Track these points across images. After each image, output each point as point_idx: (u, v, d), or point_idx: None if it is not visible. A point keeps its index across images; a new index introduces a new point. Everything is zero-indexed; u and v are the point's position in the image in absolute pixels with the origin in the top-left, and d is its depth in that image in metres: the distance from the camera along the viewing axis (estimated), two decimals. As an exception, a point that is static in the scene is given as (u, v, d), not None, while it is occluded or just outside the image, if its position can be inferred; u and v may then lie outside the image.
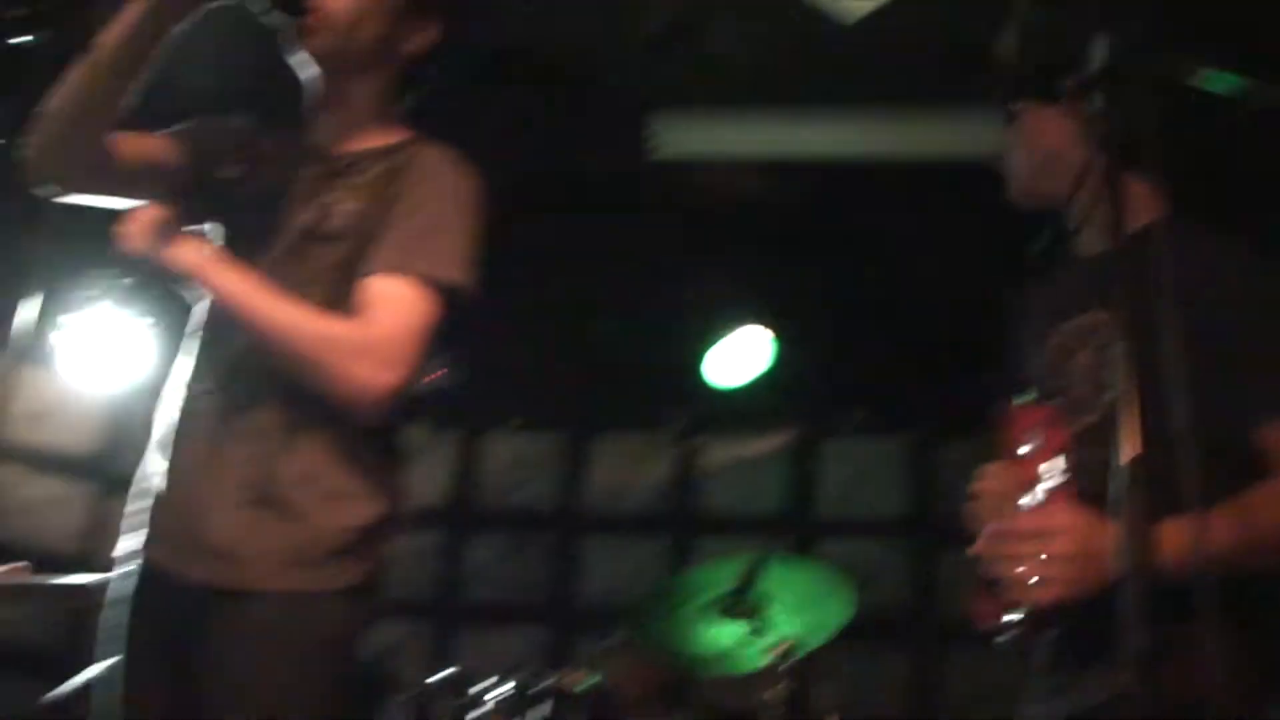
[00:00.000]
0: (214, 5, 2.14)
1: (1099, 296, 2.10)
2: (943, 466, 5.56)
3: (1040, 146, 2.22)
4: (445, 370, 5.58)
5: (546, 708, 3.21)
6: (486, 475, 6.16)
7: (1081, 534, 1.84)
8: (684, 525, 5.92)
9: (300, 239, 2.22)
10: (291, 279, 2.16)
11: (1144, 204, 1.94)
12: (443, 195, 2.24)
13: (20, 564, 3.09)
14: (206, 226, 2.30)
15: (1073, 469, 1.95)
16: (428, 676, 3.43)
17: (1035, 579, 1.87)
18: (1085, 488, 1.93)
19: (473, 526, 6.10)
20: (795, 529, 5.71)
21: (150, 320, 5.36)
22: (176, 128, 2.36)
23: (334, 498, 2.12)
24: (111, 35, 2.11)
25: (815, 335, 5.35)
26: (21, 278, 3.32)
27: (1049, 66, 2.09)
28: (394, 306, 2.13)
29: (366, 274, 2.15)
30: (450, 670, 3.42)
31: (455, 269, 2.19)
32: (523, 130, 4.89)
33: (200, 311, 2.30)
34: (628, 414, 6.08)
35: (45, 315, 5.16)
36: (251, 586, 2.06)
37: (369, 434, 2.17)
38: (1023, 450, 2.05)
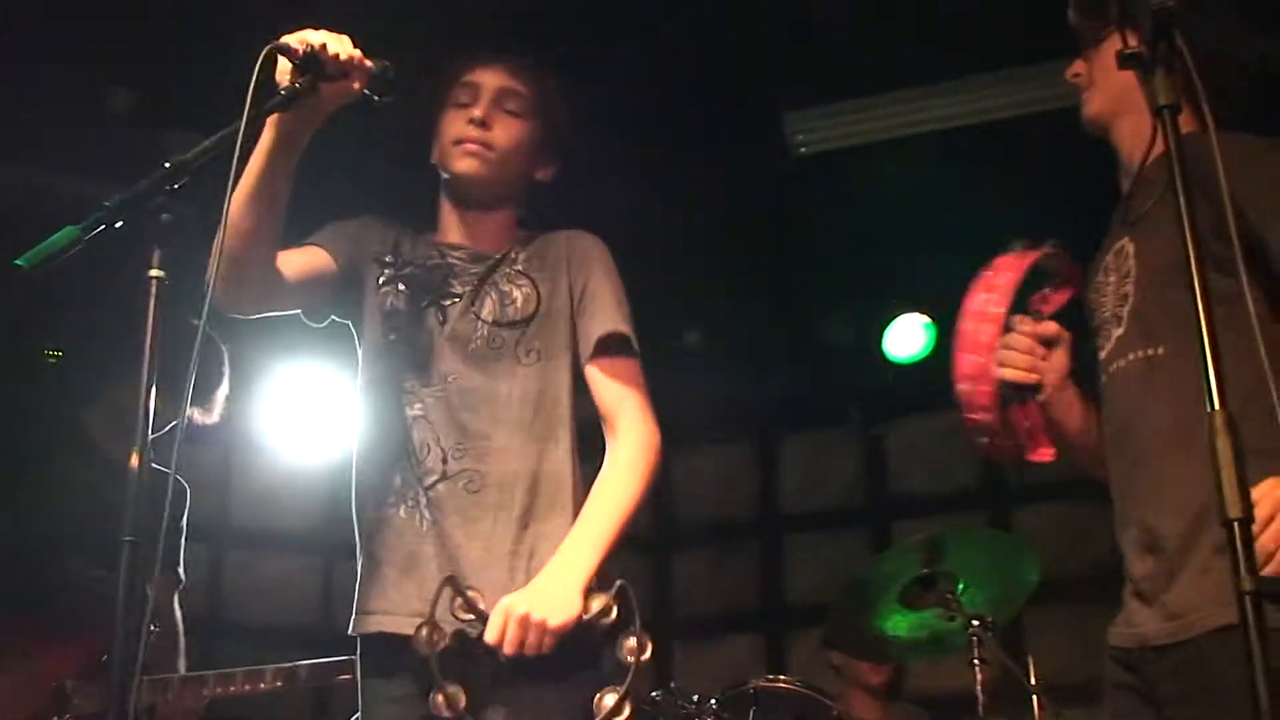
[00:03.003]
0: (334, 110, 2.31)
1: (1123, 223, 2.27)
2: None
3: (1110, 81, 2.30)
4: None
5: (755, 713, 3.36)
6: (683, 493, 6.34)
7: None
8: (880, 513, 6.02)
9: (490, 327, 2.54)
10: (499, 364, 2.52)
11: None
12: (610, 273, 2.63)
13: None
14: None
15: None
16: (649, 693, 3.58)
17: None
18: (1117, 392, 2.21)
19: (676, 544, 6.30)
20: (989, 502, 5.76)
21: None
22: (325, 233, 2.62)
23: None
24: (250, 168, 2.30)
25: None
26: (214, 365, 3.64)
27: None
28: (623, 388, 2.53)
29: (592, 356, 2.54)
30: (669, 685, 3.56)
31: (632, 328, 2.58)
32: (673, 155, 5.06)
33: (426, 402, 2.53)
34: (810, 412, 6.21)
35: (245, 397, 5.45)
36: None
37: None
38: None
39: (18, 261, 1.97)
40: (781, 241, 5.45)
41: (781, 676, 3.60)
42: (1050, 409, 2.35)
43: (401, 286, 2.60)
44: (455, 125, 2.61)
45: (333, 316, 2.65)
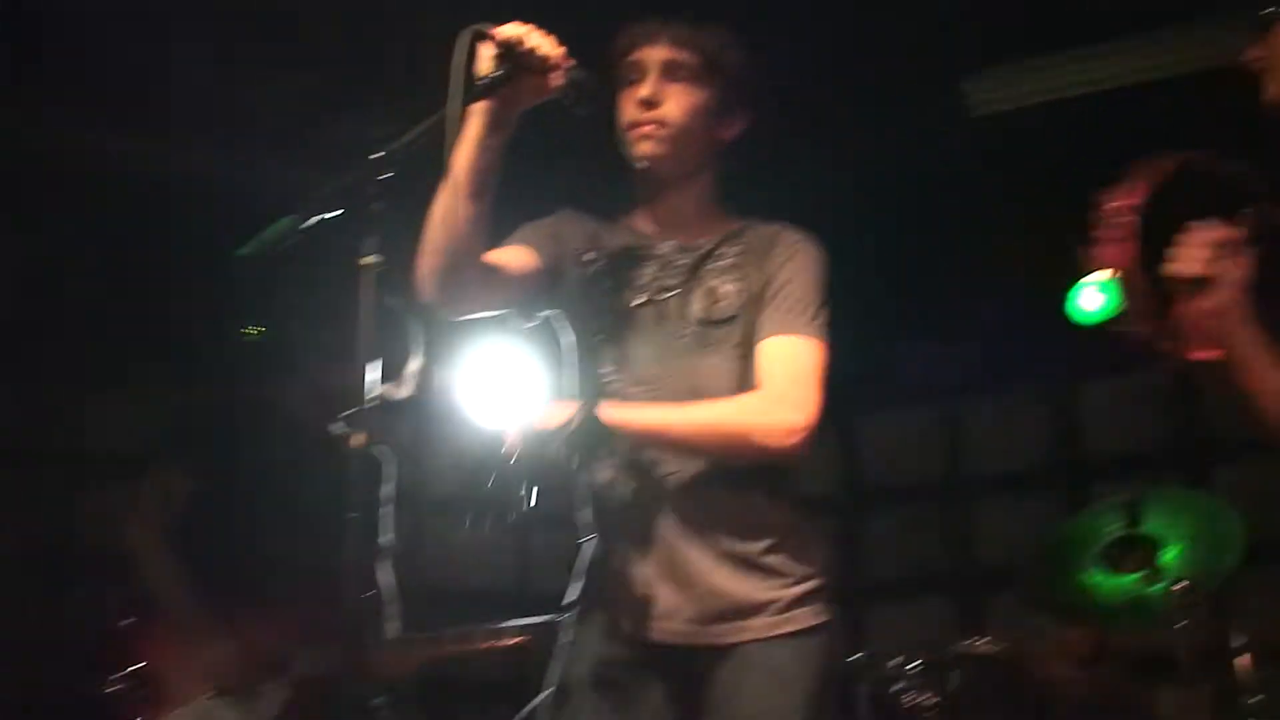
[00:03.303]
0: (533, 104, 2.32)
1: None
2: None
3: None
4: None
5: (957, 677, 3.35)
6: (870, 456, 6.32)
7: None
8: (1072, 474, 5.90)
9: (699, 326, 2.50)
10: (708, 362, 2.48)
11: None
12: (808, 270, 2.53)
13: None
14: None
15: None
16: (845, 657, 3.56)
17: None
18: None
19: (864, 508, 6.29)
20: (1185, 462, 5.60)
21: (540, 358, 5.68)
22: (524, 233, 2.61)
23: None
24: (459, 162, 2.29)
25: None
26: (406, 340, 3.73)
27: None
28: (786, 360, 2.43)
29: (758, 341, 2.46)
30: (868, 650, 3.58)
31: (823, 332, 2.48)
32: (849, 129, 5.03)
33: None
34: (996, 375, 6.11)
35: (442, 366, 5.57)
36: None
37: None
38: None
39: (240, 251, 2.07)
40: (961, 204, 5.37)
41: (984, 639, 3.58)
42: (1221, 317, 2.24)
43: (608, 283, 2.57)
44: (627, 109, 2.55)
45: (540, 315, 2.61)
